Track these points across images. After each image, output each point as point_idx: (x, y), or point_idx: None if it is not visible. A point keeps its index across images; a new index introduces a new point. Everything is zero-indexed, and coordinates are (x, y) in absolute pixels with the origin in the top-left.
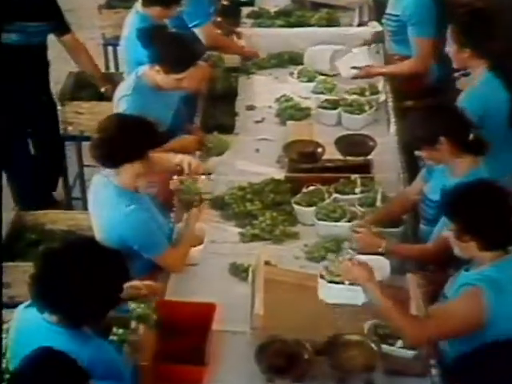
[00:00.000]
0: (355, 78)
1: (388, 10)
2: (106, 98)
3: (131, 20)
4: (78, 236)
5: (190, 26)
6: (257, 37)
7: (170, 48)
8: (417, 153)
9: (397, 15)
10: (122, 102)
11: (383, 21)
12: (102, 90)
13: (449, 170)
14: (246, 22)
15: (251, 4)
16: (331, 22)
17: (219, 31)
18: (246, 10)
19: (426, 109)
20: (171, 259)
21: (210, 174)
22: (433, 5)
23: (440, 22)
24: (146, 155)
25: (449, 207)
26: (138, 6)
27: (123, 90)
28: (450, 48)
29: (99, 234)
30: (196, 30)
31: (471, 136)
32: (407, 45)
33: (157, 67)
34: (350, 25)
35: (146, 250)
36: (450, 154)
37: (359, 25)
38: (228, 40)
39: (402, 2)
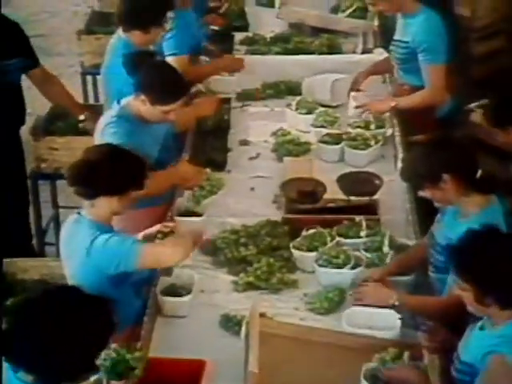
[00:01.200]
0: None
1: (396, 37)
2: (84, 132)
3: (113, 46)
4: (53, 285)
5: (166, 54)
6: (251, 65)
7: (158, 77)
8: (420, 193)
9: (406, 42)
10: (103, 134)
11: (391, 48)
12: (81, 117)
13: (458, 211)
14: (239, 49)
15: (245, 29)
16: (332, 49)
17: (207, 59)
18: (239, 36)
19: (429, 142)
20: (157, 252)
21: (199, 215)
22: (444, 30)
23: (452, 47)
24: (126, 191)
25: (458, 265)
26: (120, 31)
27: (105, 121)
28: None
29: (72, 281)
30: (170, 60)
31: (479, 172)
32: (417, 74)
33: (142, 97)
34: (354, 52)
35: (124, 263)
36: (456, 193)
37: (363, 52)
38: (200, 68)
39: (411, 28)
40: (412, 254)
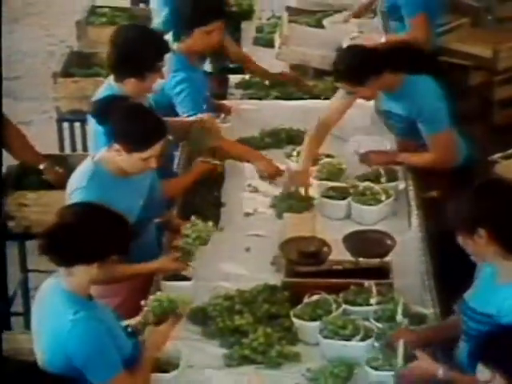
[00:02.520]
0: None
1: (388, 108)
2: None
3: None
4: (17, 362)
5: (186, 114)
6: (248, 110)
7: (130, 121)
8: (459, 239)
9: (400, 115)
10: (75, 196)
11: (384, 120)
12: (41, 166)
13: (496, 272)
14: (234, 93)
15: (241, 71)
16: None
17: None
18: (234, 79)
19: (463, 187)
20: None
21: (188, 279)
22: (439, 90)
23: (449, 99)
24: (107, 258)
25: (488, 357)
26: (112, 80)
27: (76, 180)
28: None
29: (42, 356)
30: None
31: None
32: (420, 136)
33: (116, 146)
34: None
35: (92, 372)
36: (494, 252)
37: None
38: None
39: (402, 102)
40: (451, 322)
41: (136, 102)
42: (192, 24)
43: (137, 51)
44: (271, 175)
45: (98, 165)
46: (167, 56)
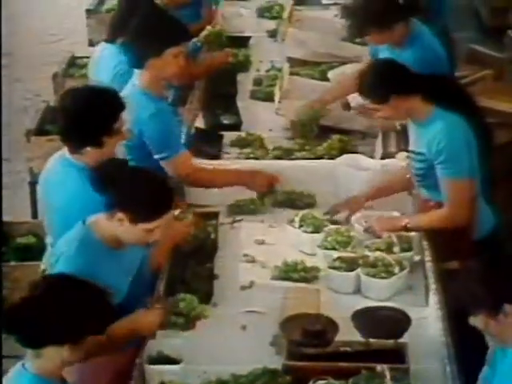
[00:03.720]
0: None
1: (410, 147)
2: (31, 256)
3: (61, 175)
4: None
5: (157, 157)
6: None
7: (140, 188)
8: (471, 320)
9: (421, 153)
10: (60, 263)
11: (408, 161)
12: None
13: None
14: (229, 152)
15: (237, 128)
16: (345, 153)
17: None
18: (229, 137)
19: (484, 262)
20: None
21: (176, 362)
22: (469, 135)
23: (482, 156)
24: (82, 338)
25: None
26: (66, 153)
27: (64, 245)
28: None
29: None
30: (167, 163)
31: None
32: (439, 188)
33: (119, 215)
34: (371, 157)
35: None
36: None
37: (384, 157)
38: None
39: (425, 137)
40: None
41: (142, 167)
42: (164, 44)
43: (88, 116)
44: (270, 186)
45: (89, 231)
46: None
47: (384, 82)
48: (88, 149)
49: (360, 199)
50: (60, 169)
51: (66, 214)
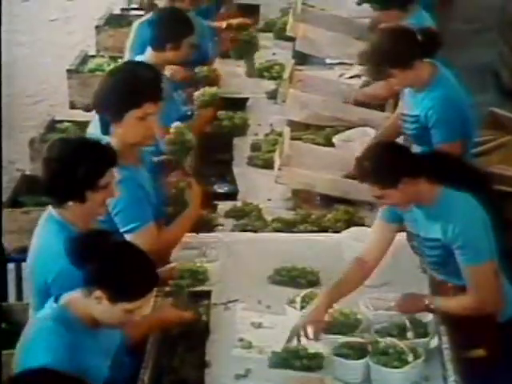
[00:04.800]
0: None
1: (421, 233)
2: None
3: (45, 231)
4: None
5: (123, 230)
6: (241, 244)
7: (122, 263)
8: None
9: (436, 239)
10: (32, 348)
11: (416, 245)
12: None
13: None
14: (223, 224)
15: (232, 197)
16: (352, 225)
17: None
18: (224, 207)
19: None
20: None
21: None
22: (482, 213)
23: (496, 231)
24: None
25: None
26: (51, 208)
27: (34, 329)
28: None
29: None
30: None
31: None
32: (457, 272)
33: (98, 293)
34: None
35: None
36: None
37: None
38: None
39: (438, 221)
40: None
41: (125, 240)
42: (122, 107)
43: (71, 167)
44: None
45: (64, 311)
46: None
47: (394, 164)
48: (70, 203)
49: (320, 312)
50: (43, 224)
51: (42, 277)
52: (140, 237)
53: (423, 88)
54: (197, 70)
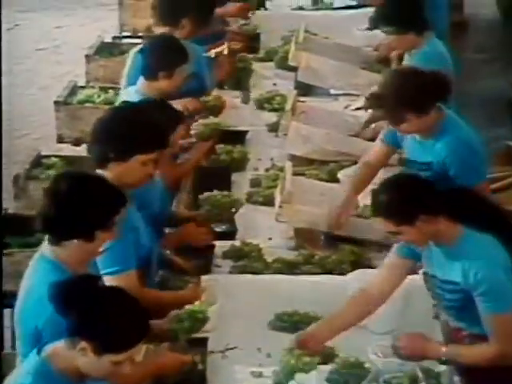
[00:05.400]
0: None
1: (436, 273)
2: None
3: (36, 272)
4: None
5: (103, 273)
6: (239, 288)
7: (106, 312)
8: None
9: (454, 282)
10: None
11: (431, 286)
12: None
13: None
14: (220, 265)
15: (231, 236)
16: (359, 267)
17: None
18: (221, 246)
19: None
20: None
21: None
22: (505, 257)
23: None
24: None
25: None
26: (45, 248)
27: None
28: None
29: None
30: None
31: None
32: (475, 319)
33: (82, 344)
34: None
35: None
36: None
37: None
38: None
39: (458, 263)
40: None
41: (114, 286)
42: (131, 151)
43: (85, 202)
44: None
45: (46, 363)
46: None
47: (411, 199)
48: (75, 241)
49: (316, 338)
50: (34, 264)
51: (33, 322)
52: (118, 282)
53: (431, 133)
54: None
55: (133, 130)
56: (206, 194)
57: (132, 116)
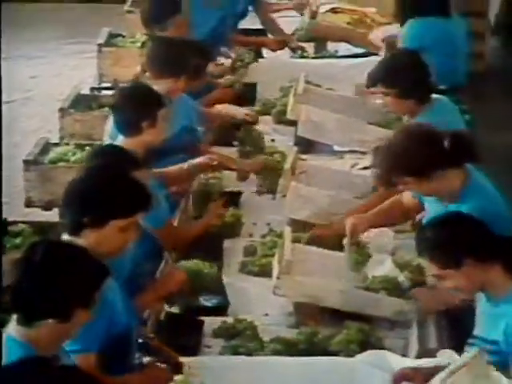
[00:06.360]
0: None
1: (477, 332)
2: None
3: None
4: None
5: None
6: (231, 374)
7: None
8: None
9: (495, 342)
10: None
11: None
12: None
13: None
14: (210, 345)
15: (222, 311)
16: (368, 348)
17: None
18: (212, 323)
19: None
20: None
21: None
22: None
23: None
24: None
25: None
26: (13, 328)
27: None
28: None
29: None
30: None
31: None
32: None
33: None
34: (403, 354)
35: None
36: None
37: (420, 355)
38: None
39: (503, 319)
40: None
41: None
42: (108, 215)
43: (66, 276)
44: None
45: None
46: None
47: (459, 240)
48: (49, 321)
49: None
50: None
51: None
52: (77, 361)
53: (453, 200)
54: None
55: (109, 191)
56: (183, 262)
57: (109, 175)
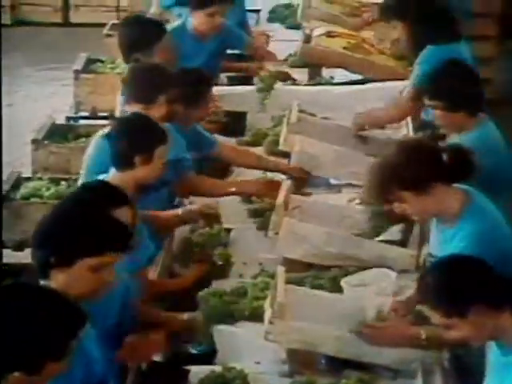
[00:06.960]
0: None
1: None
2: None
3: None
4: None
5: None
6: None
7: None
8: None
9: None
10: None
11: None
12: None
13: None
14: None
15: (209, 359)
16: None
17: None
18: (198, 372)
19: None
20: None
21: None
22: None
23: None
24: None
25: None
26: None
27: None
28: None
29: None
30: None
31: None
32: None
33: None
34: None
35: None
36: None
37: None
38: None
39: None
40: None
41: None
42: (75, 252)
43: (39, 326)
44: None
45: None
46: None
47: (463, 286)
48: (15, 374)
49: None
50: None
51: None
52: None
53: (453, 222)
54: None
55: (75, 228)
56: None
57: (78, 211)
